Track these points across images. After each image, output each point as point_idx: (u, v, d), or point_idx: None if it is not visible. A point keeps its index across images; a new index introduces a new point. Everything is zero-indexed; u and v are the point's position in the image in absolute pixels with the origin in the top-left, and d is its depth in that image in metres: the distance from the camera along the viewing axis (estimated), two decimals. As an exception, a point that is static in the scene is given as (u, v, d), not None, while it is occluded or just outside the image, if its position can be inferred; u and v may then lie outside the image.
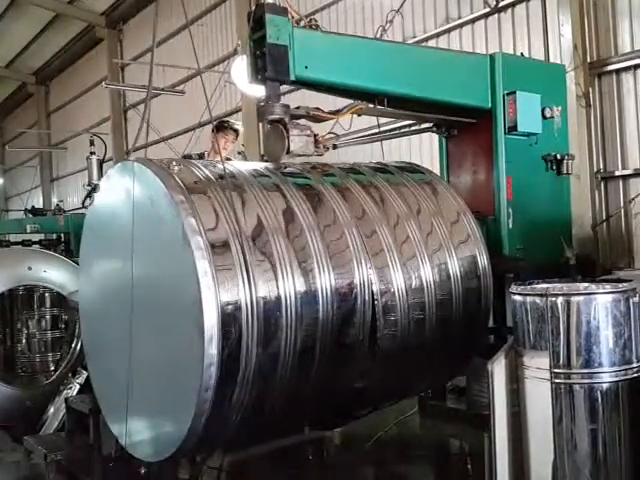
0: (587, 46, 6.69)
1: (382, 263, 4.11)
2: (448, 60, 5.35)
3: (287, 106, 4.46)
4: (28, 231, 13.89)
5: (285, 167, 4.43)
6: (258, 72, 4.44)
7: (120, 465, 4.66)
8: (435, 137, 7.69)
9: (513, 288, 2.57)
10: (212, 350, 3.31)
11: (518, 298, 2.51)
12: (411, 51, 5.16)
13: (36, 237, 14.25)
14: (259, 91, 5.03)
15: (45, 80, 20.98)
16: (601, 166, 6.67)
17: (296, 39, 4.43)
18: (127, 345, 3.84)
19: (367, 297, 3.95)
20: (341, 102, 5.02)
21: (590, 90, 6.64)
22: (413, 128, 7.03)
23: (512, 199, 5.42)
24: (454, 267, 4.45)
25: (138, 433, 4.00)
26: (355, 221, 4.12)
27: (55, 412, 5.61)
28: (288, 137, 4.39)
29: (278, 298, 3.57)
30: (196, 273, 3.31)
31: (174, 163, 3.73)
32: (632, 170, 6.45)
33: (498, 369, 2.40)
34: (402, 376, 4.41)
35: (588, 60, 6.67)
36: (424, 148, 8.21)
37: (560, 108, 5.77)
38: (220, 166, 3.92)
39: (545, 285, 2.50)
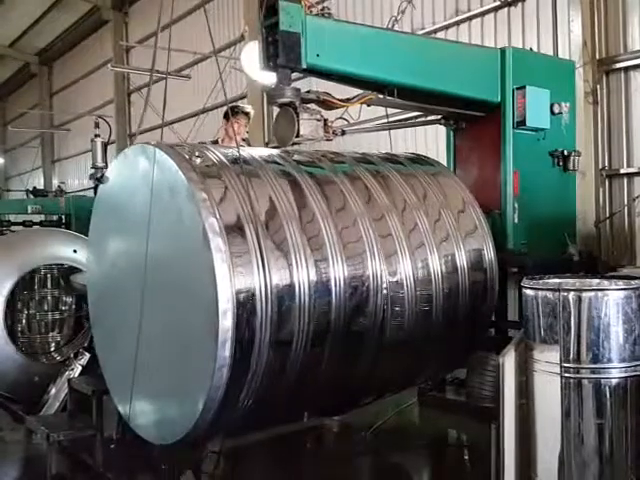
0: (596, 43, 6.68)
1: (392, 254, 4.14)
2: (459, 53, 5.34)
3: (298, 90, 4.46)
4: (29, 212, 13.87)
5: (295, 154, 4.44)
6: (269, 59, 4.43)
7: (122, 447, 4.72)
8: (440, 129, 7.74)
9: (525, 282, 2.58)
10: (226, 326, 3.34)
11: (530, 292, 2.53)
12: (422, 43, 5.15)
13: (36, 218, 14.25)
14: (269, 78, 5.02)
15: (48, 61, 20.87)
16: (606, 163, 6.67)
17: (308, 27, 4.41)
18: (137, 326, 3.87)
19: (378, 288, 3.99)
20: (349, 92, 5.02)
21: (598, 87, 6.64)
22: (421, 119, 7.03)
23: (518, 194, 5.43)
24: (461, 259, 4.48)
25: (147, 415, 4.04)
26: (367, 211, 4.15)
27: (57, 393, 5.63)
28: (298, 121, 4.39)
29: (292, 286, 3.61)
30: (214, 276, 3.35)
31: (196, 154, 3.72)
32: (637, 168, 6.46)
33: (509, 362, 2.42)
34: (407, 365, 4.45)
35: (597, 57, 6.67)
36: (429, 139, 8.22)
37: (568, 104, 5.77)
38: (234, 152, 3.93)
39: (557, 280, 2.52)
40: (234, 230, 3.51)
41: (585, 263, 5.84)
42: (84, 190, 17.62)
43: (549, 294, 2.45)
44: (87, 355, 5.65)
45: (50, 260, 6.43)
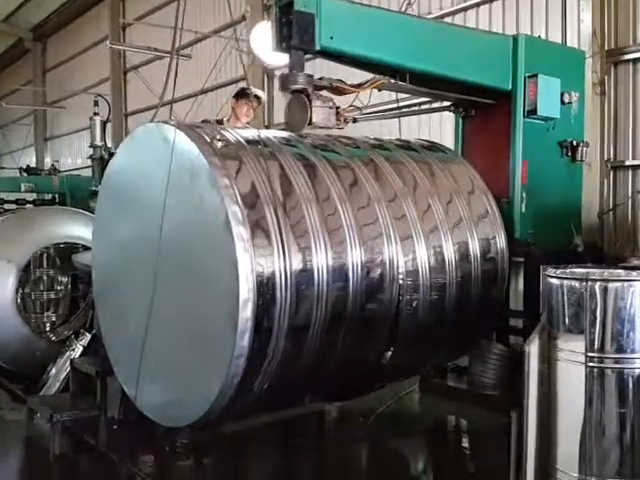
0: (605, 33, 6.64)
1: (408, 241, 4.13)
2: (471, 39, 5.30)
3: (311, 76, 4.40)
4: (22, 190, 13.73)
5: (309, 138, 4.40)
6: (283, 40, 4.37)
7: (125, 427, 4.70)
8: (445, 116, 7.70)
9: (550, 271, 2.57)
10: (246, 316, 3.33)
11: (555, 281, 2.52)
12: (436, 28, 5.11)
13: (29, 197, 14.10)
14: (279, 60, 4.97)
15: (43, 37, 20.58)
16: (611, 155, 6.66)
17: (323, 8, 4.35)
18: (147, 308, 3.83)
19: (394, 275, 3.98)
20: (357, 77, 4.95)
21: (605, 78, 6.60)
22: (428, 106, 6.99)
23: (527, 183, 5.42)
24: (474, 246, 4.49)
25: (156, 397, 4.02)
26: (384, 197, 4.13)
27: (57, 373, 5.58)
28: (311, 108, 4.34)
29: (311, 274, 3.60)
30: (236, 266, 3.32)
31: (217, 137, 3.66)
32: (642, 161, 6.47)
33: (534, 350, 2.41)
34: (419, 352, 4.46)
35: (605, 48, 6.63)
36: (433, 126, 8.16)
37: (578, 94, 5.75)
38: (253, 132, 3.89)
39: (583, 270, 2.51)
40: (256, 218, 3.48)
41: (590, 254, 5.86)
42: (78, 169, 17.47)
43: (575, 283, 2.44)
44: (88, 335, 5.61)
45: (66, 238, 6.44)
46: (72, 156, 19.40)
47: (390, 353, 4.21)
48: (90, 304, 7.30)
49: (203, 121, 6.31)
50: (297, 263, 3.56)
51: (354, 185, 4.13)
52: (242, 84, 12.07)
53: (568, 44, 6.84)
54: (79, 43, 18.14)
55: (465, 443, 5.16)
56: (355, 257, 3.83)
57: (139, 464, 4.53)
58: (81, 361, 4.96)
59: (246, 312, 3.34)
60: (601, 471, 2.41)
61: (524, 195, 5.42)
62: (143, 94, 15.11)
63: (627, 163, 6.55)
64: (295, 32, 4.27)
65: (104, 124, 9.09)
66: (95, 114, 9.01)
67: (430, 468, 4.85)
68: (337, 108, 4.51)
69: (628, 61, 6.53)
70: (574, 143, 5.71)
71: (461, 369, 6.02)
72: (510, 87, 5.37)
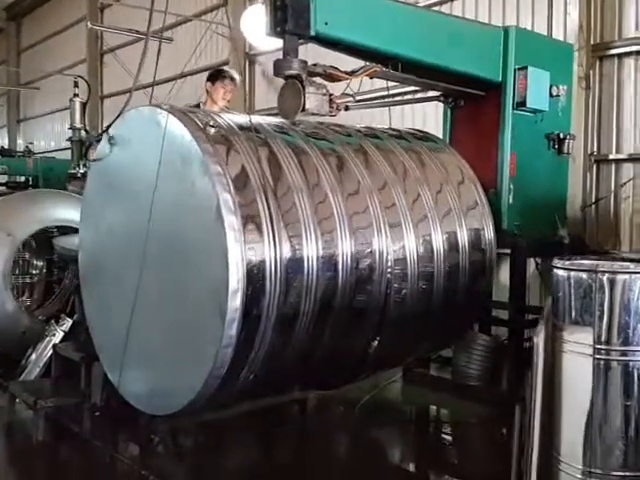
0: (592, 27, 6.67)
1: (397, 230, 4.11)
2: (464, 29, 5.26)
3: (305, 62, 4.34)
4: (-5, 172, 13.43)
5: (301, 124, 4.35)
6: (277, 24, 4.29)
7: (107, 414, 4.64)
8: (429, 107, 7.69)
9: (557, 262, 2.57)
10: (235, 306, 3.29)
11: (562, 273, 2.52)
12: (431, 16, 5.08)
13: (1, 179, 13.79)
14: (271, 45, 4.90)
15: (17, 16, 20.04)
16: (595, 148, 6.71)
17: (319, -7, 4.29)
18: (133, 293, 3.77)
19: (383, 265, 3.96)
20: (345, 64, 4.89)
21: (591, 72, 6.64)
22: (416, 96, 6.97)
23: (514, 175, 5.44)
24: (462, 237, 4.49)
25: (140, 384, 3.97)
26: (375, 187, 4.10)
27: (37, 358, 5.48)
28: (304, 94, 4.28)
29: (301, 264, 3.57)
30: (226, 255, 3.29)
31: (211, 123, 3.59)
32: (626, 155, 6.50)
33: (541, 342, 2.41)
34: (406, 342, 4.46)
35: (591, 42, 6.66)
36: (417, 116, 8.13)
37: (566, 87, 5.79)
38: (244, 118, 3.83)
39: (592, 261, 2.52)
40: (247, 207, 3.43)
41: (574, 246, 5.92)
42: (52, 151, 17.13)
43: (583, 275, 2.44)
44: (69, 321, 5.51)
45: (58, 222, 6.36)
46: (45, 138, 19.01)
47: (377, 343, 4.21)
48: (67, 289, 7.23)
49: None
50: (287, 252, 3.54)
51: (345, 174, 4.10)
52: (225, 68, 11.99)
53: (554, 37, 6.86)
54: (55, 23, 17.72)
55: (447, 434, 5.19)
56: (345, 247, 3.81)
57: (122, 450, 4.50)
58: (64, 346, 4.88)
59: (235, 302, 3.31)
60: (605, 463, 2.43)
61: (512, 186, 5.44)
62: (120, 77, 14.86)
63: (611, 157, 6.60)
64: (290, 16, 4.19)
65: (84, 106, 8.93)
66: (75, 95, 8.83)
67: (412, 458, 4.87)
68: (330, 95, 4.46)
69: (613, 56, 6.55)
70: (561, 136, 5.74)
71: (444, 359, 6.06)
72: (500, 78, 5.37)
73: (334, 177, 3.98)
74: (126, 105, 4.26)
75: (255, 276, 3.37)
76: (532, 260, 6.19)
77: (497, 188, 5.41)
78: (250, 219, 3.43)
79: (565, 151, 5.80)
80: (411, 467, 4.69)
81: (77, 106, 8.88)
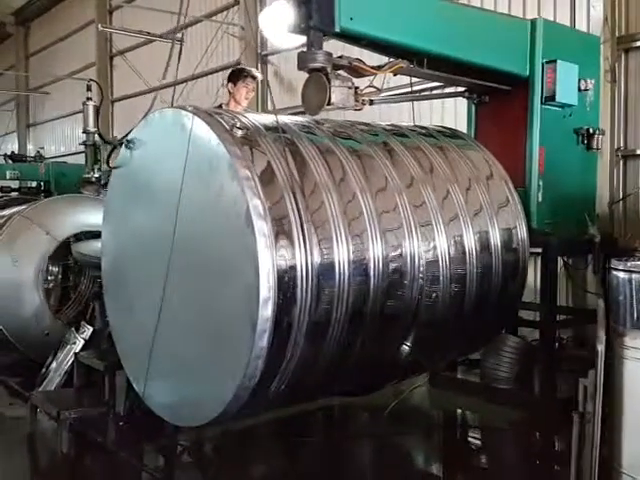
0: (616, 20, 6.51)
1: (428, 230, 3.97)
2: (489, 22, 5.12)
3: (330, 54, 4.21)
4: (7, 177, 13.39)
5: (326, 123, 4.22)
6: (301, 20, 4.17)
7: (131, 424, 4.54)
8: (451, 103, 7.55)
9: (617, 264, 2.43)
10: (266, 316, 3.17)
11: (622, 275, 2.38)
12: (456, 9, 4.92)
13: (13, 184, 13.73)
14: (291, 42, 4.78)
15: (25, 21, 20.02)
16: (622, 144, 6.55)
17: (343, -13, 4.15)
18: (159, 301, 3.65)
19: (415, 267, 3.83)
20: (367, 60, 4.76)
21: (616, 65, 6.48)
22: (443, 91, 6.83)
23: (543, 172, 5.28)
24: (495, 236, 4.35)
25: (167, 394, 3.84)
26: (404, 187, 3.97)
27: (58, 367, 5.37)
28: (330, 87, 4.15)
29: (332, 270, 3.44)
30: (257, 262, 3.16)
31: (238, 125, 3.46)
32: (653, 150, 6.37)
33: (602, 349, 2.27)
34: (437, 346, 4.31)
35: (616, 34, 6.50)
36: (435, 112, 7.99)
37: (593, 81, 5.63)
38: (270, 118, 3.71)
39: (650, 262, 2.38)
40: (277, 212, 3.30)
41: (606, 244, 5.76)
42: (63, 156, 17.09)
43: (645, 277, 2.31)
44: (90, 328, 5.40)
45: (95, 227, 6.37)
46: (55, 143, 18.99)
47: (408, 348, 4.07)
48: (84, 295, 7.13)
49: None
50: (318, 257, 3.39)
51: (373, 173, 3.96)
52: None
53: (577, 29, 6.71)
54: (63, 27, 17.68)
55: (479, 438, 5.05)
56: (376, 250, 3.67)
57: (147, 461, 4.39)
58: (87, 355, 4.76)
59: (266, 311, 3.17)
60: (669, 475, 2.30)
61: (541, 184, 5.28)
62: (130, 80, 14.79)
63: (638, 152, 6.45)
64: (315, 12, 4.07)
65: (97, 110, 8.83)
66: (88, 99, 8.74)
67: (445, 464, 4.73)
68: (356, 88, 4.33)
69: (639, 48, 6.40)
70: (590, 131, 5.59)
71: (470, 362, 5.91)
72: (527, 72, 5.22)
73: (362, 176, 3.84)
74: (151, 108, 4.15)
75: (286, 283, 3.24)
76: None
77: (526, 186, 5.26)
78: (280, 223, 3.30)
79: (594, 146, 5.64)
80: (445, 473, 4.54)
81: (90, 110, 8.82)
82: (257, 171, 3.37)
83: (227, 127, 3.47)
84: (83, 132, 8.62)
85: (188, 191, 3.54)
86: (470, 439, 5.10)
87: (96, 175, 8.60)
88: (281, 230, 3.29)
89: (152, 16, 12.59)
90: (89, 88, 8.74)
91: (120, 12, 15.21)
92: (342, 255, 3.49)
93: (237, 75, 6.09)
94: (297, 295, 3.30)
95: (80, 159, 13.80)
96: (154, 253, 3.75)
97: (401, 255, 3.81)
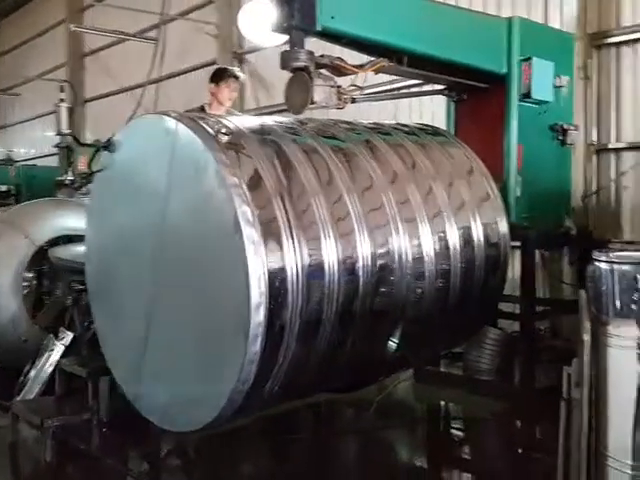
0: (588, 16, 6.65)
1: (413, 227, 4.03)
2: (468, 20, 5.20)
3: (312, 53, 4.25)
4: (-23, 181, 13.16)
5: (310, 123, 4.26)
6: (283, 19, 4.20)
7: (114, 430, 4.52)
8: (426, 100, 7.64)
9: (600, 255, 2.52)
10: (258, 321, 3.19)
11: (605, 266, 2.46)
12: (434, 8, 4.98)
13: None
14: (270, 41, 4.81)
15: (-7, 21, 19.78)
16: (595, 138, 6.70)
17: (324, -14, 4.19)
18: (149, 304, 3.65)
19: (402, 264, 3.88)
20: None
21: (589, 62, 6.62)
22: (419, 89, 6.91)
23: (521, 167, 5.39)
24: (477, 232, 4.41)
25: (158, 399, 3.82)
26: (389, 184, 4.02)
27: (37, 375, 5.23)
28: (312, 87, 4.19)
29: (322, 273, 3.47)
30: (247, 269, 3.17)
31: (223, 130, 3.47)
32: (625, 143, 6.50)
33: (588, 337, 2.35)
34: (423, 341, 4.38)
35: (588, 31, 6.64)
36: (413, 110, 8.07)
37: (568, 78, 5.76)
38: (253, 120, 3.74)
39: (632, 253, 2.46)
40: (265, 217, 3.31)
41: (581, 237, 5.91)
42: (33, 159, 16.86)
43: (627, 267, 2.39)
44: (69, 335, 5.32)
45: (75, 231, 6.15)
46: (25, 145, 18.71)
47: (395, 344, 4.13)
48: (59, 301, 7.03)
49: (186, 111, 6.07)
50: (307, 259, 3.42)
51: (358, 171, 4.01)
52: (211, 69, 11.82)
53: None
54: (33, 27, 17.45)
55: (464, 430, 5.14)
56: (364, 248, 3.71)
57: (132, 466, 4.38)
58: (69, 362, 4.71)
59: (258, 316, 3.19)
60: (656, 458, 2.39)
61: (519, 179, 5.39)
62: (102, 80, 14.66)
63: (610, 146, 6.59)
64: (297, 11, 4.11)
65: (70, 111, 8.76)
66: (61, 100, 8.66)
67: (428, 456, 4.80)
68: (338, 87, 4.38)
69: (611, 45, 6.54)
70: (565, 127, 5.72)
71: (453, 355, 6.01)
72: (505, 70, 5.32)
73: (347, 175, 3.88)
74: (136, 110, 4.14)
75: (277, 288, 3.26)
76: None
77: (504, 181, 5.36)
78: (268, 227, 3.31)
79: (569, 142, 5.78)
80: (432, 465, 4.61)
81: (63, 111, 8.74)
82: (244, 176, 3.38)
83: (212, 133, 3.47)
84: (57, 134, 8.56)
85: (174, 197, 3.53)
86: (455, 431, 5.18)
87: (70, 178, 8.53)
88: (270, 234, 3.30)
89: (124, 15, 12.49)
90: (62, 89, 8.68)
91: (91, 11, 15.05)
92: (331, 256, 3.52)
93: (219, 75, 6.05)
94: (288, 298, 3.32)
95: (51, 162, 13.67)
96: (141, 257, 3.75)
97: (388, 252, 3.85)
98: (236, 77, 6.03)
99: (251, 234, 3.22)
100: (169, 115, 3.61)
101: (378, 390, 5.21)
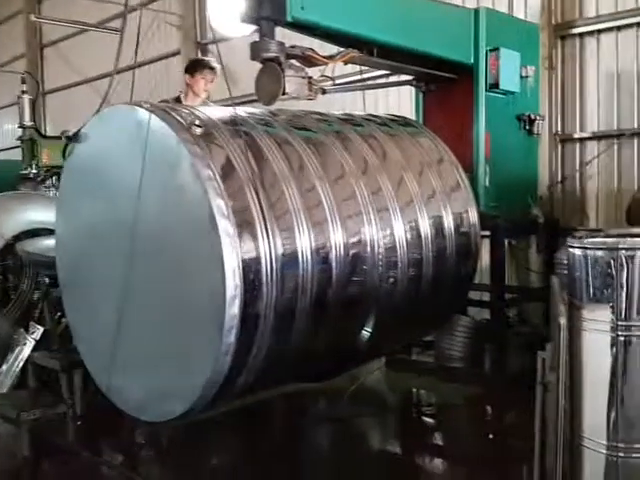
0: (552, 7, 6.74)
1: (385, 216, 4.06)
2: (436, 11, 5.23)
3: (282, 44, 4.22)
4: None
5: (281, 114, 4.24)
6: (253, 10, 4.17)
7: (89, 423, 4.50)
8: (393, 91, 7.68)
9: (574, 242, 2.57)
10: (233, 313, 3.19)
11: (578, 252, 2.52)
12: (403, 0, 5.02)
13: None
14: (239, 32, 4.78)
15: (-54, 10, 19.14)
16: (559, 128, 6.81)
17: (293, -24, 4.17)
18: (122, 296, 3.61)
19: (375, 253, 3.91)
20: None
21: (553, 52, 6.72)
22: (386, 80, 6.93)
23: (489, 157, 5.46)
24: (448, 221, 4.47)
25: (133, 390, 3.80)
26: (361, 174, 4.04)
27: (8, 369, 5.22)
28: (284, 77, 4.17)
29: (296, 264, 3.48)
30: (222, 262, 3.16)
31: (197, 122, 3.43)
32: (590, 133, 6.62)
33: (565, 322, 2.41)
34: (396, 329, 4.42)
35: (553, 22, 6.73)
36: (380, 100, 8.09)
37: (534, 68, 5.84)
38: (226, 111, 3.71)
39: (608, 239, 2.52)
40: (239, 206, 3.31)
41: (547, 225, 6.02)
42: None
43: (601, 253, 2.44)
44: (40, 329, 5.27)
45: (44, 224, 6.02)
46: (-16, 138, 18.23)
47: (369, 333, 4.16)
48: (25, 295, 6.91)
49: (161, 101, 6.00)
50: (281, 251, 3.43)
51: (329, 161, 4.02)
52: (174, 59, 11.66)
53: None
54: (-11, 17, 16.98)
55: (436, 416, 5.19)
56: (337, 237, 3.73)
57: (107, 457, 4.35)
58: (41, 356, 4.65)
59: (233, 309, 3.19)
60: (629, 438, 2.45)
61: (487, 169, 5.46)
62: (62, 71, 14.35)
63: (575, 136, 6.70)
64: (266, 1, 4.08)
65: (33, 102, 8.57)
66: (23, 92, 8.47)
67: (403, 442, 4.85)
68: (309, 78, 4.37)
69: (575, 35, 6.64)
70: (531, 116, 5.81)
71: (424, 344, 6.07)
72: (472, 61, 5.38)
73: (320, 165, 3.89)
74: (103, 101, 4.07)
75: (252, 281, 3.26)
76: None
77: (473, 171, 5.43)
78: (242, 217, 3.30)
79: (535, 132, 5.89)
80: (406, 452, 4.66)
81: (26, 103, 8.54)
82: (217, 166, 3.36)
83: (186, 125, 3.44)
84: (19, 127, 8.37)
85: (147, 189, 3.49)
86: (428, 417, 5.23)
87: (34, 171, 8.36)
88: (244, 226, 3.30)
89: (82, 5, 12.24)
90: (23, 80, 8.48)
91: (50, 1, 14.71)
92: (304, 245, 3.53)
93: (195, 66, 5.99)
94: (262, 290, 3.33)
95: (10, 155, 13.32)
96: (114, 249, 3.71)
97: (360, 242, 3.88)
98: (212, 68, 5.97)
99: (226, 227, 3.21)
100: (141, 106, 3.56)
101: (350, 379, 5.24)
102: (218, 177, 3.31)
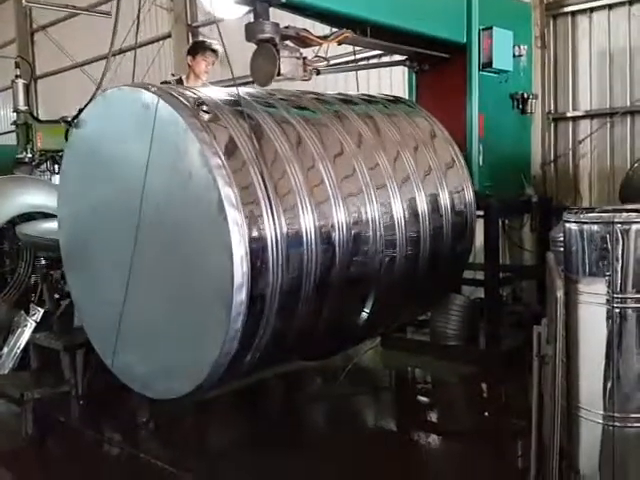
0: (543, -14, 6.75)
1: (384, 194, 4.10)
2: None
3: (277, 25, 4.23)
4: None
5: (279, 94, 4.27)
6: (247, -9, 4.17)
7: (91, 402, 4.56)
8: (385, 71, 7.68)
9: (569, 217, 2.61)
10: (240, 300, 3.25)
11: (574, 227, 2.56)
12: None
13: None
14: (232, 13, 4.77)
15: None
16: (552, 107, 6.85)
17: (286, -44, 4.18)
18: (128, 275, 3.66)
19: (376, 232, 3.95)
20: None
21: (545, 31, 6.73)
22: (378, 60, 6.93)
23: (483, 136, 5.50)
24: (444, 199, 4.51)
25: (140, 368, 3.85)
26: (359, 152, 4.07)
27: (10, 351, 5.29)
28: (279, 58, 4.18)
29: (302, 249, 3.53)
30: (231, 250, 3.21)
31: (204, 107, 3.44)
32: (583, 112, 6.66)
33: (561, 294, 2.46)
34: (395, 307, 4.48)
35: (544, 0, 6.74)
36: (372, 81, 8.09)
37: (526, 47, 5.86)
38: (228, 92, 3.72)
39: (604, 213, 2.57)
40: (248, 199, 3.34)
41: (541, 204, 6.07)
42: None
43: (597, 227, 2.49)
44: (40, 310, 5.33)
45: (38, 208, 6.08)
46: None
47: (368, 312, 4.22)
48: (22, 279, 6.95)
49: (162, 82, 6.00)
50: (286, 231, 3.47)
51: (329, 140, 4.05)
52: (165, 42, 11.59)
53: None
54: (-23, 2, 16.78)
55: (432, 394, 5.27)
56: (339, 216, 3.78)
57: (112, 436, 4.41)
58: (43, 337, 4.70)
59: (240, 296, 3.25)
60: (624, 407, 2.51)
61: (481, 148, 5.50)
62: (53, 56, 14.23)
63: (568, 114, 6.74)
64: (261, -18, 4.08)
65: (27, 87, 8.55)
66: (17, 76, 8.46)
67: (399, 419, 4.92)
68: (304, 59, 4.38)
69: (567, 14, 6.66)
70: (525, 95, 5.84)
71: (419, 322, 6.13)
72: (465, 40, 5.39)
73: (320, 145, 3.92)
74: (100, 84, 4.07)
75: (259, 266, 3.31)
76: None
77: (467, 150, 5.46)
78: (251, 211, 3.34)
79: (528, 111, 5.91)
80: (402, 429, 4.73)
81: (20, 88, 8.53)
82: (224, 152, 3.37)
83: (193, 110, 3.44)
84: (14, 111, 8.37)
85: (154, 172, 3.51)
86: (424, 396, 5.30)
87: (29, 155, 8.37)
88: (252, 214, 3.34)
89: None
90: (17, 65, 8.46)
91: (38, -16, 14.54)
92: (308, 225, 3.58)
93: (196, 48, 6.02)
94: (269, 274, 3.38)
95: (4, 140, 13.27)
96: (120, 230, 3.73)
97: (362, 221, 3.92)
98: (213, 50, 5.99)
99: (235, 216, 3.24)
100: (148, 89, 3.55)
101: (345, 358, 5.30)
102: (227, 165, 3.32)
